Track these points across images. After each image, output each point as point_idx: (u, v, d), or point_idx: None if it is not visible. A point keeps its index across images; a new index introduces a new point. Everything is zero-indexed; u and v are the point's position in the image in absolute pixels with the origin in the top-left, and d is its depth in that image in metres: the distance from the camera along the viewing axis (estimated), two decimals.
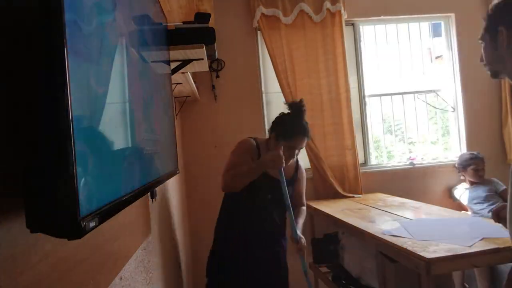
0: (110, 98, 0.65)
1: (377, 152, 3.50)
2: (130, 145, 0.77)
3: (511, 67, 1.19)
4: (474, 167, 2.88)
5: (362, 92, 3.26)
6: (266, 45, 3.00)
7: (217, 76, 3.04)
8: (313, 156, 3.01)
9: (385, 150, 3.45)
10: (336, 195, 3.00)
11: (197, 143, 3.02)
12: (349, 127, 3.06)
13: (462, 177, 3.04)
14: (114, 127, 0.68)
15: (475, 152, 2.92)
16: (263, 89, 3.17)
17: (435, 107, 3.40)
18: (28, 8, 0.45)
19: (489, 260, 1.60)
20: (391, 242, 1.69)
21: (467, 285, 2.62)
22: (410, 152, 3.41)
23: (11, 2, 0.46)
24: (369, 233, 1.89)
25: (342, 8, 3.05)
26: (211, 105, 3.05)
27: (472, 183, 2.91)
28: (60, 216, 0.46)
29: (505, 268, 2.31)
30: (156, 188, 1.35)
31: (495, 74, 1.25)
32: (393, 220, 2.10)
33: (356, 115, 3.16)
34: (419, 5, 3.26)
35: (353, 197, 2.98)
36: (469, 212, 2.89)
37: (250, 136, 1.97)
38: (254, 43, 3.12)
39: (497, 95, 3.29)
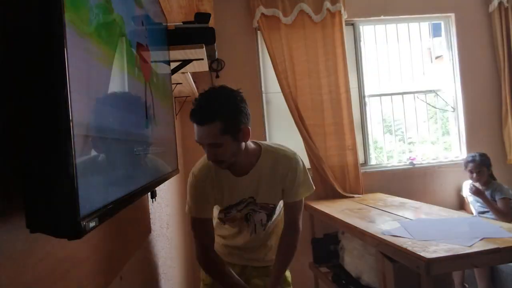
0: (110, 98, 0.65)
1: (376, 153, 3.50)
2: (130, 145, 0.77)
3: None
4: (468, 169, 2.87)
5: (362, 92, 3.26)
6: (266, 45, 3.00)
7: (217, 76, 3.04)
8: (313, 156, 3.01)
9: (385, 152, 3.45)
10: (336, 195, 3.00)
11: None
12: (350, 127, 3.06)
13: None
14: (114, 127, 0.68)
15: (474, 154, 2.87)
16: (263, 89, 3.16)
17: (435, 107, 3.40)
18: (28, 8, 0.45)
19: (489, 260, 1.60)
20: (391, 242, 1.69)
21: (467, 285, 2.62)
22: (410, 151, 3.41)
23: (11, 2, 0.46)
24: (369, 233, 1.89)
25: (342, 8, 3.05)
26: None
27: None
28: (60, 216, 0.46)
29: (505, 268, 2.32)
30: (156, 188, 1.35)
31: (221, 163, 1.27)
32: (393, 220, 2.10)
33: (356, 115, 3.16)
34: (419, 5, 3.26)
35: (353, 197, 2.98)
36: (473, 210, 2.88)
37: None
38: (254, 43, 3.12)
39: (497, 95, 3.30)
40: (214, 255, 1.41)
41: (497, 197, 2.71)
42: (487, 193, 2.76)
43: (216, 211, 1.48)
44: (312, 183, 1.46)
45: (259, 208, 1.42)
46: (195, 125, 1.21)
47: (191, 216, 1.38)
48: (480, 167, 2.79)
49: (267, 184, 1.38)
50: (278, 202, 1.47)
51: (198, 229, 1.39)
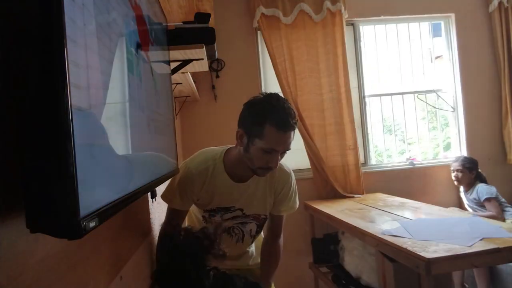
0: (110, 97, 0.65)
1: (376, 153, 3.51)
2: (130, 145, 0.77)
3: None
4: (451, 168, 3.00)
5: (362, 92, 3.26)
6: (266, 45, 3.00)
7: (217, 76, 3.04)
8: (313, 156, 3.00)
9: (384, 151, 3.45)
10: (336, 195, 3.00)
11: (197, 143, 3.02)
12: (351, 126, 3.05)
13: None
14: (115, 127, 0.68)
15: (460, 156, 3.03)
16: (263, 89, 3.16)
17: (435, 107, 3.40)
18: (28, 8, 0.45)
19: (489, 260, 1.60)
20: (391, 242, 1.69)
21: (466, 285, 2.62)
22: (409, 151, 3.41)
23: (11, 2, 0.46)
24: (369, 233, 1.89)
25: (343, 8, 3.05)
26: (211, 105, 3.05)
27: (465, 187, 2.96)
28: (60, 216, 0.46)
29: (504, 268, 2.32)
30: (156, 188, 1.35)
31: None
32: (393, 220, 2.10)
33: (355, 115, 3.16)
34: (419, 5, 3.26)
35: (353, 197, 2.98)
36: (469, 209, 2.91)
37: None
38: (254, 43, 3.12)
39: (497, 95, 3.30)
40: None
41: (482, 199, 2.76)
42: (472, 196, 2.82)
43: (198, 210, 1.46)
44: (298, 201, 1.50)
45: (251, 219, 1.43)
46: (275, 133, 1.17)
47: (170, 206, 1.38)
48: (461, 168, 2.90)
49: (261, 195, 1.39)
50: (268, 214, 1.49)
51: (173, 215, 1.39)
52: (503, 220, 2.60)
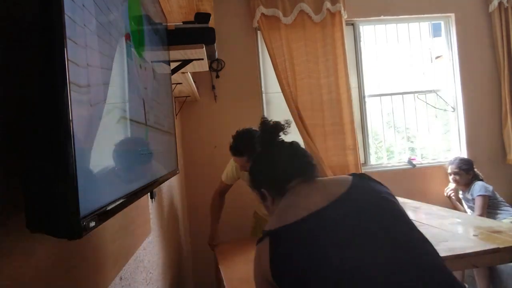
0: (110, 98, 0.65)
1: (377, 148, 3.51)
2: (130, 145, 0.77)
3: None
4: (448, 171, 3.02)
5: (362, 92, 3.26)
6: (266, 45, 3.00)
7: (217, 76, 3.04)
8: (313, 156, 3.00)
9: (385, 150, 3.45)
10: None
11: (197, 143, 3.02)
12: (351, 127, 3.05)
13: None
14: (115, 127, 0.68)
15: (455, 157, 3.03)
16: (263, 89, 3.16)
17: (435, 107, 3.40)
18: (28, 8, 0.45)
19: (489, 260, 1.60)
20: None
21: (466, 285, 2.62)
22: (410, 149, 3.41)
23: (11, 2, 0.46)
24: None
25: (342, 8, 3.05)
26: (211, 105, 3.05)
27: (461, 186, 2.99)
28: (60, 216, 0.46)
29: (504, 268, 2.32)
30: (156, 188, 1.36)
31: None
32: None
33: (355, 116, 3.16)
34: (419, 5, 3.26)
35: None
36: (468, 210, 2.91)
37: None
38: (254, 43, 3.12)
39: (497, 95, 3.30)
40: (222, 200, 2.33)
41: (474, 196, 2.78)
42: (469, 195, 2.84)
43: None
44: None
45: None
46: None
47: (223, 181, 2.27)
48: (458, 170, 2.90)
49: None
50: None
51: (223, 187, 2.28)
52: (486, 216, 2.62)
